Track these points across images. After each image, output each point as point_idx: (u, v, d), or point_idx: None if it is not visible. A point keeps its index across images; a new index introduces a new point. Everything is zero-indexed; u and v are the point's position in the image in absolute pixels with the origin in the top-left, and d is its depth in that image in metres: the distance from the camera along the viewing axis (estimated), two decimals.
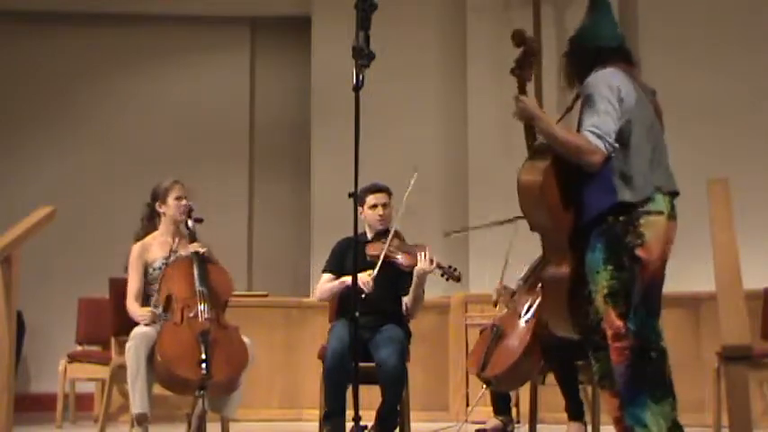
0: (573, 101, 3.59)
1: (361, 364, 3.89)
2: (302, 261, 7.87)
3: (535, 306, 4.74)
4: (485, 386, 4.85)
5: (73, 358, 6.14)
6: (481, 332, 5.13)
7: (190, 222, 4.79)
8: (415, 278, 4.71)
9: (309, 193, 7.90)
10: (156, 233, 4.86)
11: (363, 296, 4.43)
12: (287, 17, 8.41)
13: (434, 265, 4.67)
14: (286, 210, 8.40)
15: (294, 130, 8.35)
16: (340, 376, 4.41)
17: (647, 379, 3.24)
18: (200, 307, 4.49)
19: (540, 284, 3.85)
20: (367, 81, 3.54)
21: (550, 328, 3.65)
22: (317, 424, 4.71)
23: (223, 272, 4.76)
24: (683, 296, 5.93)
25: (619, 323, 3.28)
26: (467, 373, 6.22)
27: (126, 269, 4.80)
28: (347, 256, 4.77)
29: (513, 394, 5.37)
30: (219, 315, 4.58)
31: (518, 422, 5.57)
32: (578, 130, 3.37)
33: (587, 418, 4.78)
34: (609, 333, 3.31)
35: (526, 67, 3.59)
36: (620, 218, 3.30)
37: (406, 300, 4.84)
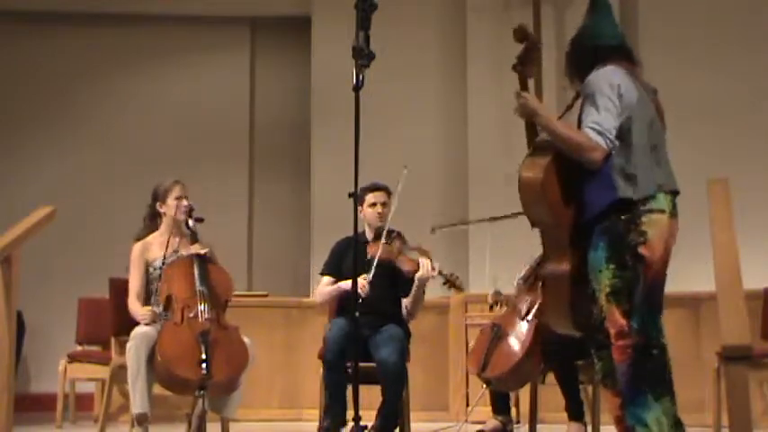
0: (573, 99, 3.59)
1: (362, 364, 3.90)
2: (302, 261, 7.88)
3: (536, 307, 4.73)
4: (485, 386, 4.85)
5: (73, 358, 6.14)
6: (481, 331, 5.12)
7: (190, 222, 4.79)
8: (416, 283, 4.73)
9: (309, 193, 7.90)
10: (156, 233, 4.87)
11: (360, 300, 4.43)
12: (287, 17, 8.41)
13: (436, 271, 4.67)
14: (286, 210, 8.41)
15: (294, 130, 8.35)
16: (340, 364, 4.41)
17: (649, 377, 3.25)
18: (201, 307, 4.49)
19: (540, 283, 3.85)
20: (367, 81, 3.54)
21: (551, 325, 3.65)
22: (317, 424, 4.70)
23: (223, 272, 4.77)
24: (683, 296, 5.92)
25: (622, 321, 3.28)
26: (467, 373, 6.22)
27: (128, 269, 4.81)
28: (346, 257, 4.78)
29: (512, 394, 5.37)
30: (220, 315, 4.58)
31: (518, 422, 5.57)
32: (579, 128, 3.38)
33: (587, 418, 4.78)
34: (612, 331, 3.31)
35: (528, 63, 3.59)
36: (623, 216, 3.30)
37: (405, 302, 4.85)
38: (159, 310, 4.63)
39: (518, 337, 4.74)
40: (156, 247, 4.79)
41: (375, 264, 4.63)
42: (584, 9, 3.69)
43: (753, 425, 2.71)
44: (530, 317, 4.76)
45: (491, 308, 5.32)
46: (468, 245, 7.27)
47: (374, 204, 4.86)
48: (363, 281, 4.53)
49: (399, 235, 4.88)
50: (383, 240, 4.75)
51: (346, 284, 4.64)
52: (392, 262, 4.74)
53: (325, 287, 4.87)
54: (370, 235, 4.89)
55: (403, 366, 4.56)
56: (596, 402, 4.76)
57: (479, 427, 5.08)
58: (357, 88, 3.52)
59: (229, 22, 8.44)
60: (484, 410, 5.39)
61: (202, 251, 4.69)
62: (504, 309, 5.11)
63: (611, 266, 3.29)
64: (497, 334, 4.81)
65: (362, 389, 3.53)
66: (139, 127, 8.24)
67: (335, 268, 4.86)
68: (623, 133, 3.34)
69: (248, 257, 8.27)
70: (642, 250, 3.28)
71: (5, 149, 8.07)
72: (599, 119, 3.31)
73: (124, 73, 8.30)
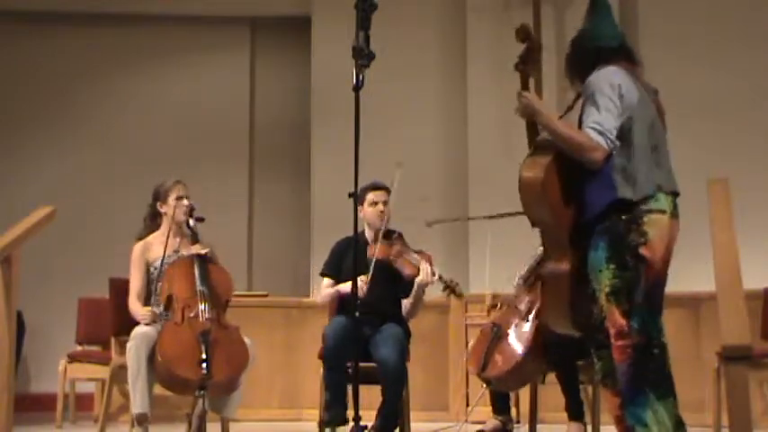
0: (574, 100, 3.60)
1: (362, 364, 3.90)
2: (302, 261, 7.87)
3: (537, 307, 4.72)
4: (485, 386, 4.85)
5: (73, 358, 6.14)
6: (481, 331, 5.12)
7: (191, 222, 4.79)
8: (415, 288, 4.73)
9: (309, 193, 7.90)
10: (157, 233, 4.87)
11: (358, 302, 4.43)
12: (287, 17, 8.41)
13: (436, 276, 4.67)
14: (286, 210, 8.41)
15: (294, 130, 8.35)
16: (340, 363, 4.41)
17: (651, 376, 3.25)
18: (201, 307, 4.50)
19: (540, 283, 3.85)
20: (367, 81, 3.54)
21: (550, 325, 3.65)
22: (316, 424, 4.70)
23: (224, 272, 4.77)
24: (683, 296, 5.92)
25: (622, 321, 3.28)
26: (467, 373, 6.22)
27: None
28: (346, 257, 4.78)
29: (512, 394, 5.37)
30: (220, 315, 4.58)
31: (518, 422, 5.56)
32: (580, 128, 3.38)
33: (587, 418, 4.78)
34: (612, 331, 3.31)
35: (530, 63, 3.60)
36: (623, 216, 3.30)
37: (405, 303, 4.85)
38: (159, 309, 4.62)
39: (519, 338, 4.73)
40: (156, 246, 4.79)
41: (373, 264, 4.62)
42: (584, 9, 3.70)
43: (753, 425, 2.71)
44: (531, 317, 4.75)
45: (489, 311, 5.32)
46: (469, 245, 7.26)
47: (375, 203, 4.86)
48: (362, 282, 4.54)
49: (400, 236, 4.88)
50: (383, 241, 4.75)
51: (345, 288, 4.66)
52: (392, 263, 4.74)
53: (324, 290, 4.88)
54: (370, 235, 4.89)
55: (403, 366, 4.56)
56: (596, 402, 4.76)
57: (479, 427, 5.08)
58: (357, 88, 3.52)
59: (229, 22, 8.43)
60: (484, 410, 5.39)
61: (203, 251, 4.69)
62: (505, 308, 5.10)
63: (612, 266, 3.29)
64: (497, 334, 4.80)
65: (362, 389, 3.53)
66: (139, 127, 8.24)
67: (335, 268, 4.86)
68: (624, 133, 3.34)
69: (248, 257, 8.27)
70: (643, 251, 3.28)
71: (5, 149, 8.07)
72: (600, 119, 3.32)
73: (124, 73, 8.30)
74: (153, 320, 4.57)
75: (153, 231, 4.88)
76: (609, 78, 3.39)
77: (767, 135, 7.16)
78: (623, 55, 3.54)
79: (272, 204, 8.43)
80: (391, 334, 4.62)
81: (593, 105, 3.35)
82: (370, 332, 4.62)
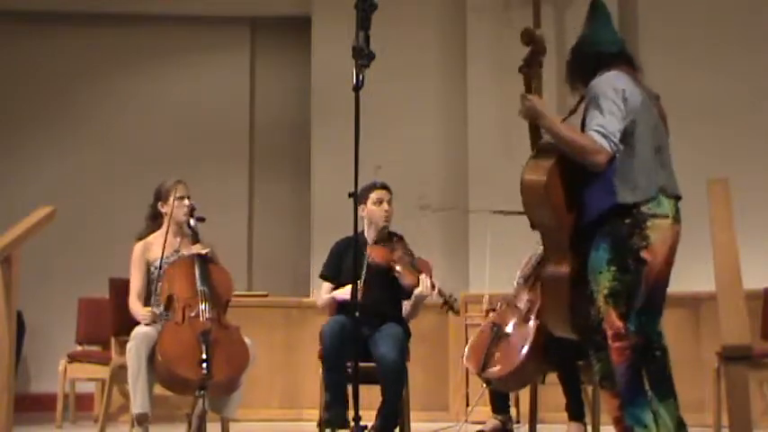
0: (577, 103, 3.60)
1: (362, 364, 3.90)
2: (302, 261, 7.87)
3: (537, 307, 4.72)
4: (485, 386, 4.84)
5: (73, 358, 6.14)
6: (480, 330, 5.11)
7: (192, 222, 4.79)
8: (413, 298, 4.73)
9: (309, 193, 7.90)
10: (158, 232, 4.86)
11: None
12: (287, 17, 8.41)
13: (436, 290, 4.66)
14: (286, 210, 8.41)
15: (294, 130, 8.35)
16: (340, 363, 4.41)
17: (652, 378, 3.25)
18: (202, 307, 4.50)
19: (540, 284, 3.84)
20: (367, 81, 3.54)
21: (549, 328, 3.65)
22: (316, 424, 4.70)
23: (224, 272, 4.77)
24: (683, 296, 5.91)
25: (619, 323, 3.28)
26: (467, 373, 6.21)
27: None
28: (346, 258, 4.77)
29: (512, 394, 5.36)
30: (221, 315, 4.58)
31: (518, 422, 5.56)
32: (583, 131, 3.38)
33: (587, 418, 4.78)
34: (609, 333, 3.31)
35: (534, 65, 3.60)
36: (626, 220, 3.31)
37: (405, 305, 4.84)
38: (160, 309, 4.62)
39: (520, 338, 4.71)
40: (157, 246, 4.78)
41: (366, 267, 4.59)
42: (584, 10, 3.70)
43: (753, 425, 2.71)
44: (532, 317, 4.75)
45: (487, 313, 5.31)
46: (468, 244, 7.26)
47: (380, 201, 4.83)
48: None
49: (401, 239, 4.86)
50: (385, 244, 4.74)
51: (342, 294, 4.67)
52: (391, 269, 4.72)
53: (323, 296, 4.89)
54: (370, 235, 4.87)
55: (402, 365, 4.56)
56: (596, 403, 4.76)
57: (479, 427, 5.08)
58: (357, 88, 3.52)
59: (229, 22, 8.43)
60: (484, 410, 5.39)
61: (203, 251, 4.69)
62: (504, 306, 5.09)
63: (612, 269, 3.30)
64: (497, 334, 4.80)
65: (362, 389, 3.54)
66: (139, 127, 8.24)
67: (335, 269, 4.86)
68: (627, 137, 3.35)
69: (248, 257, 8.27)
70: (644, 254, 3.28)
71: (5, 149, 8.07)
72: (603, 122, 3.32)
73: (124, 73, 8.30)
74: (153, 320, 4.57)
75: (154, 231, 4.88)
76: (612, 82, 3.39)
77: (766, 137, 7.16)
78: (624, 60, 3.54)
79: (272, 204, 8.43)
80: (391, 333, 4.62)
81: (596, 109, 3.35)
82: (369, 332, 4.62)
